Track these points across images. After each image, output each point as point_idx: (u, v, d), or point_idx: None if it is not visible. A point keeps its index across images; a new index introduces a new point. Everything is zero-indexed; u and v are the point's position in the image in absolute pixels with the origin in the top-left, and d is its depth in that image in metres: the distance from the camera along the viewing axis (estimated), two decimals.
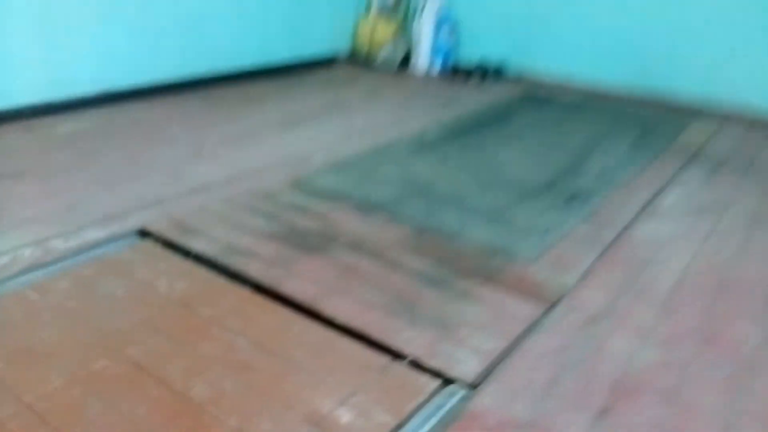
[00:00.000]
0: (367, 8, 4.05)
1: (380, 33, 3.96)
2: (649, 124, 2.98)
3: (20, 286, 1.45)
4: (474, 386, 1.20)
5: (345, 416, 1.11)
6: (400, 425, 1.10)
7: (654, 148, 2.64)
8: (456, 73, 3.78)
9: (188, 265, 1.58)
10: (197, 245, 1.64)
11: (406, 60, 3.97)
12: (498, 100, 3.31)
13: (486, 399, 1.18)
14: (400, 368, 1.24)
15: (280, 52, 3.61)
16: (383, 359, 1.26)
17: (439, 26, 3.83)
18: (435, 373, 1.23)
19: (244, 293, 1.47)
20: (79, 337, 1.29)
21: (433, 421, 1.12)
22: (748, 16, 3.07)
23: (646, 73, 3.38)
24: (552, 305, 1.48)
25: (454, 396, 1.18)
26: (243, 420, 1.09)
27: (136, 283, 1.49)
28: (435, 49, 3.87)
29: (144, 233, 1.71)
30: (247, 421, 1.09)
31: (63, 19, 2.61)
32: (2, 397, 1.11)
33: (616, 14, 3.39)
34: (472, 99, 3.31)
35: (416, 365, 1.25)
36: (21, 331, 1.30)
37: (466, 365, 1.25)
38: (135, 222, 1.76)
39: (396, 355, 1.27)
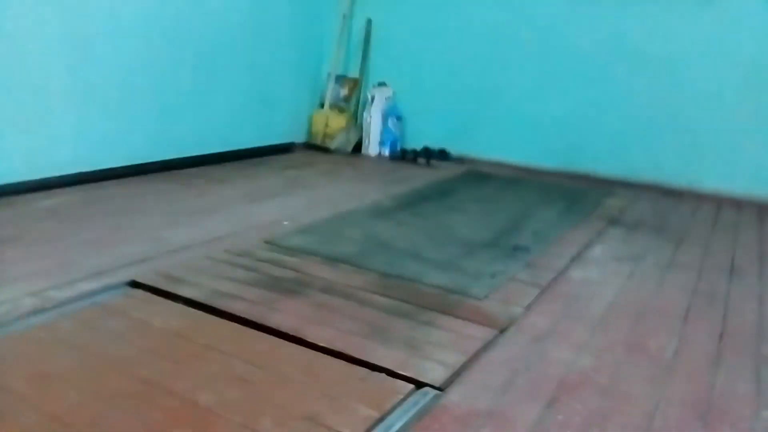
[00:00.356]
0: (321, 102, 4.46)
1: (333, 123, 4.34)
2: (575, 195, 3.38)
3: (26, 327, 1.58)
4: (442, 389, 1.41)
5: (334, 412, 1.28)
6: (383, 417, 1.29)
7: (580, 214, 3.01)
8: (404, 156, 4.16)
9: (179, 307, 1.75)
10: (185, 291, 1.82)
11: (357, 146, 4.34)
12: (443, 177, 3.68)
13: (453, 397, 1.38)
14: (378, 377, 1.44)
15: (243, 139, 3.92)
16: (363, 371, 1.46)
17: (386, 117, 4.25)
18: (408, 380, 1.43)
19: (234, 326, 1.65)
20: (90, 363, 1.44)
21: (411, 413, 1.31)
22: (651, 102, 3.61)
23: (570, 152, 3.86)
24: (503, 329, 1.72)
25: (426, 396, 1.38)
26: (246, 418, 1.25)
27: (133, 321, 1.65)
28: (384, 137, 4.27)
29: (134, 284, 1.88)
30: (250, 419, 1.25)
31: (42, 105, 2.83)
32: (26, 410, 1.24)
33: (540, 104, 3.89)
34: (420, 177, 3.67)
35: (392, 374, 1.45)
36: (35, 361, 1.44)
37: (434, 373, 1.46)
38: (124, 275, 1.92)
39: (373, 368, 1.47)
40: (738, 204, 3.39)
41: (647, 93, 3.62)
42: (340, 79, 4.44)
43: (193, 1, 3.44)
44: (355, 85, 4.40)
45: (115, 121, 3.14)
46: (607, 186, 3.65)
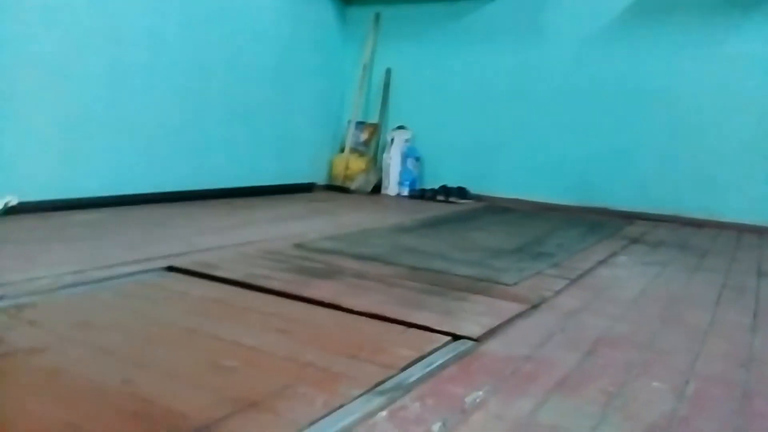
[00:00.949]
0: (342, 147, 4.61)
1: (354, 166, 4.47)
2: (596, 224, 3.42)
3: (68, 294, 1.62)
4: (479, 341, 1.41)
5: (375, 352, 1.29)
6: (422, 357, 1.29)
7: (601, 235, 3.04)
8: (423, 195, 4.24)
9: (216, 284, 1.78)
10: (221, 273, 1.85)
11: (377, 187, 4.45)
12: (463, 209, 3.75)
13: (492, 346, 1.38)
14: (417, 332, 1.45)
15: (267, 177, 4.04)
16: (401, 328, 1.47)
17: (405, 158, 4.37)
18: (446, 333, 1.43)
19: (270, 297, 1.67)
20: (131, 318, 1.47)
21: (451, 355, 1.31)
22: (669, 138, 3.71)
23: (588, 189, 3.92)
24: (534, 306, 1.73)
25: (465, 344, 1.38)
26: (290, 353, 1.26)
27: (172, 292, 1.68)
28: (403, 178, 4.38)
29: (171, 269, 1.91)
30: (294, 354, 1.26)
31: (81, 132, 2.97)
32: (71, 346, 1.26)
33: (558, 143, 4.00)
34: (441, 209, 3.73)
35: (430, 330, 1.45)
36: (78, 314, 1.47)
37: (471, 329, 1.46)
38: (160, 264, 1.96)
39: (411, 326, 1.48)
40: (759, 231, 3.41)
41: (664, 130, 3.72)
42: (360, 125, 4.60)
43: (227, 48, 3.67)
44: (375, 130, 4.56)
45: (146, 152, 3.28)
46: (625, 218, 3.69)
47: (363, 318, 1.52)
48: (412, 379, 1.16)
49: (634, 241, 2.93)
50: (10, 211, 2.64)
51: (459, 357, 1.30)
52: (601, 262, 2.37)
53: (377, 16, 4.55)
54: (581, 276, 2.12)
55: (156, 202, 3.25)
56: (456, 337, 1.41)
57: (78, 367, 1.15)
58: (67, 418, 0.96)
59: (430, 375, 1.20)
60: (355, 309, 1.57)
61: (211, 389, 1.08)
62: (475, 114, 4.26)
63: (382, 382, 1.15)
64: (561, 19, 3.95)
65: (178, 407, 1.01)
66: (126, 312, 1.51)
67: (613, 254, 2.56)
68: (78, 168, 2.96)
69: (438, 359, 1.27)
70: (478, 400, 1.09)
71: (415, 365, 1.24)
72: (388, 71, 4.55)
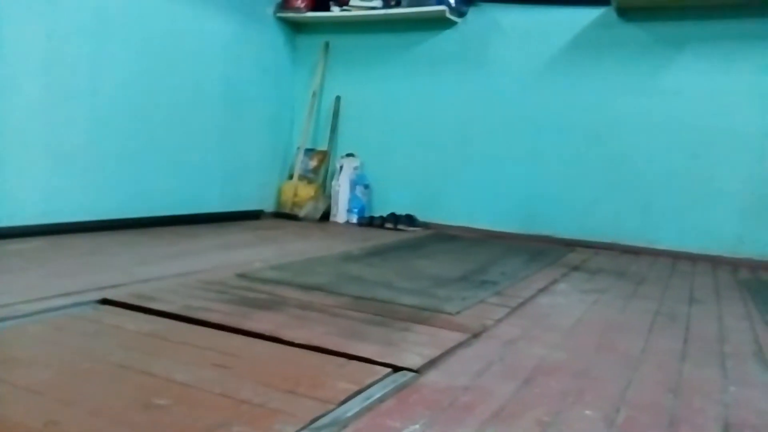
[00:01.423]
0: (290, 174, 4.60)
1: (302, 193, 4.45)
2: (538, 251, 3.50)
3: None
4: (419, 372, 1.41)
5: (314, 387, 1.27)
6: (361, 390, 1.28)
7: (543, 263, 3.11)
8: (372, 222, 4.26)
9: (151, 317, 1.73)
10: (157, 306, 1.80)
11: (326, 215, 4.44)
12: (411, 237, 3.78)
13: (432, 377, 1.39)
14: (357, 364, 1.44)
15: (212, 203, 3.98)
16: (341, 360, 1.46)
17: (354, 186, 4.39)
18: (386, 365, 1.43)
19: (207, 330, 1.64)
20: (61, 352, 1.40)
21: (390, 387, 1.31)
22: (607, 168, 3.84)
23: (531, 217, 4.02)
24: (475, 335, 1.75)
25: (405, 376, 1.38)
26: (225, 390, 1.23)
27: (104, 326, 1.62)
28: (351, 205, 4.39)
29: (105, 301, 1.85)
30: (229, 391, 1.23)
31: (18, 158, 2.87)
32: (2, 382, 1.20)
33: (502, 172, 4.10)
34: (389, 237, 3.75)
35: (370, 362, 1.45)
36: (5, 349, 1.40)
37: (411, 360, 1.46)
38: (94, 296, 1.89)
39: (351, 357, 1.47)
40: (693, 258, 3.56)
41: (602, 160, 3.86)
42: (309, 152, 4.61)
43: (169, 72, 3.62)
44: (324, 157, 4.57)
45: (88, 179, 3.19)
46: (567, 245, 3.80)
47: (303, 351, 1.51)
48: (349, 414, 1.16)
49: (575, 268, 3.02)
50: None
51: (398, 389, 1.30)
52: (542, 290, 2.43)
53: (327, 45, 4.59)
54: (522, 304, 2.16)
55: (97, 230, 3.15)
56: (396, 369, 1.41)
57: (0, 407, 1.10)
58: None
59: (367, 409, 1.19)
60: (296, 341, 1.55)
61: (141, 429, 1.05)
62: (422, 142, 4.33)
63: (319, 417, 1.13)
64: (505, 51, 4.08)
65: None
66: (55, 347, 1.45)
67: (554, 282, 2.62)
68: (12, 195, 2.85)
69: (377, 392, 1.27)
70: None
71: (353, 399, 1.23)
72: (338, 99, 4.58)
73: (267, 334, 1.60)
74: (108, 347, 1.46)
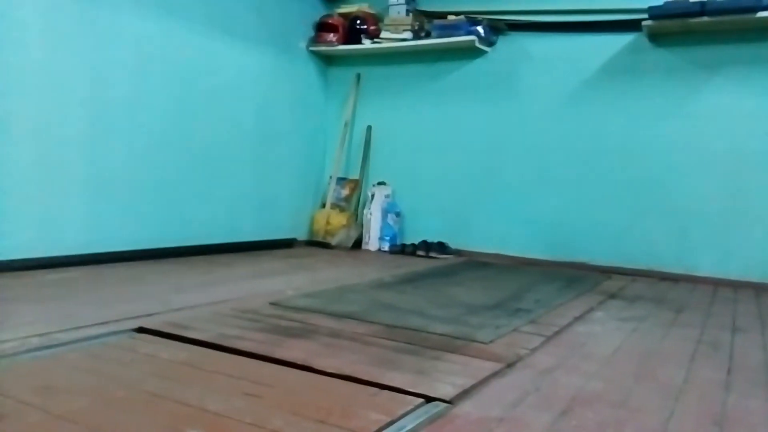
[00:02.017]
0: (323, 202, 4.64)
1: (334, 221, 4.48)
2: (574, 278, 3.43)
3: (33, 358, 1.58)
4: (452, 402, 1.39)
5: (345, 417, 1.26)
6: (393, 421, 1.26)
7: (579, 290, 3.05)
8: (404, 249, 4.25)
9: (186, 345, 1.75)
10: (191, 334, 1.82)
11: (358, 243, 4.45)
12: (443, 264, 3.75)
13: (465, 408, 1.36)
14: (389, 394, 1.42)
15: (246, 233, 4.03)
16: (373, 390, 1.44)
17: (385, 214, 4.40)
18: (419, 395, 1.41)
19: (240, 359, 1.65)
20: (96, 381, 1.43)
21: (423, 418, 1.29)
22: (641, 193, 3.78)
23: (566, 244, 3.96)
24: (510, 365, 1.72)
25: (437, 407, 1.36)
26: (257, 419, 1.23)
27: (139, 354, 1.64)
28: (383, 233, 4.39)
29: (140, 330, 1.88)
30: (260, 420, 1.23)
31: (58, 190, 2.96)
32: (31, 412, 1.22)
33: (535, 199, 4.06)
34: (421, 264, 3.74)
35: (402, 392, 1.43)
36: (39, 378, 1.43)
37: (444, 390, 1.44)
38: (130, 325, 1.93)
39: (383, 387, 1.46)
40: (734, 285, 3.44)
41: (637, 185, 3.79)
42: (341, 181, 4.65)
43: (205, 106, 3.72)
44: (356, 185, 4.60)
45: (125, 209, 3.27)
46: (603, 272, 3.72)
47: (334, 380, 1.50)
48: None
49: (612, 296, 2.95)
50: None
51: (431, 420, 1.28)
52: (578, 318, 2.37)
53: (358, 77, 4.66)
54: (557, 333, 2.12)
55: (133, 260, 3.22)
56: (429, 399, 1.39)
57: None
58: None
59: None
60: (327, 370, 1.55)
61: None
62: (453, 170, 4.33)
63: None
64: (535, 79, 4.08)
65: None
66: (91, 375, 1.47)
67: (590, 310, 2.56)
68: (53, 226, 2.94)
69: (409, 423, 1.25)
70: None
71: (385, 430, 1.21)
72: (369, 128, 4.63)
73: (298, 362, 1.60)
74: (142, 376, 1.48)
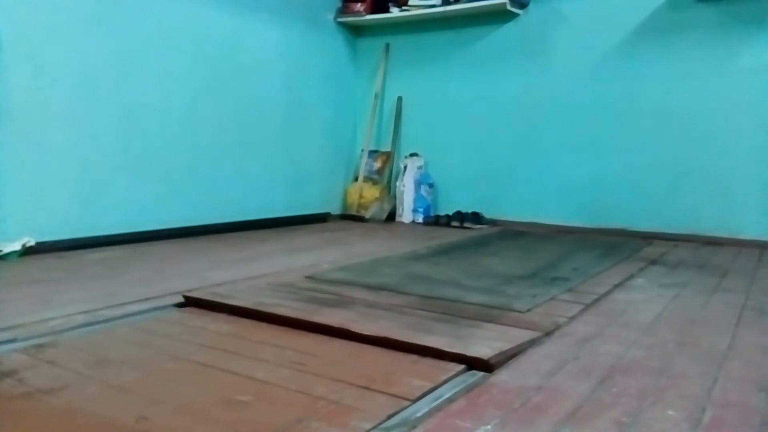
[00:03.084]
0: (355, 176, 4.64)
1: (367, 194, 4.48)
2: (612, 245, 3.37)
3: (82, 333, 1.64)
4: (491, 362, 1.39)
5: (388, 384, 1.28)
6: (435, 387, 1.27)
7: (618, 257, 2.99)
8: (438, 221, 4.23)
9: (230, 318, 1.79)
10: (232, 302, 1.86)
11: (392, 215, 4.45)
12: (477, 235, 3.72)
13: (502, 377, 1.36)
14: (429, 361, 1.43)
15: (280, 208, 4.06)
16: (413, 357, 1.45)
17: (418, 185, 4.37)
18: (457, 357, 1.42)
19: (284, 331, 1.68)
20: (147, 353, 1.49)
21: (459, 387, 1.29)
22: (682, 156, 3.66)
23: (604, 210, 3.88)
24: (548, 333, 1.70)
25: (474, 376, 1.36)
26: (302, 387, 1.27)
27: (188, 328, 1.70)
28: (417, 205, 4.38)
29: (182, 305, 1.92)
30: (306, 387, 1.26)
31: (95, 172, 3.03)
32: (88, 383, 1.27)
33: (571, 165, 3.98)
34: (455, 235, 3.72)
35: (441, 355, 1.44)
36: (93, 351, 1.49)
37: (482, 352, 1.43)
38: (171, 300, 1.97)
39: (422, 350, 1.47)
40: None
41: (677, 147, 3.67)
42: (373, 154, 4.63)
43: (234, 83, 3.73)
44: (388, 158, 4.58)
45: (161, 189, 3.33)
46: (643, 238, 3.63)
47: (375, 349, 1.51)
48: (419, 414, 1.14)
49: (653, 262, 2.88)
50: (28, 251, 2.69)
51: (468, 389, 1.28)
52: (618, 286, 2.33)
53: (387, 47, 4.60)
54: (596, 301, 2.08)
55: (169, 238, 3.28)
56: (468, 361, 1.40)
57: (94, 405, 1.17)
58: None
59: (437, 409, 1.17)
60: (365, 333, 1.56)
61: (225, 425, 1.09)
62: (486, 138, 4.26)
63: (395, 414, 1.14)
64: (568, 40, 3.96)
65: None
66: (142, 348, 1.52)
67: (630, 277, 2.51)
68: (93, 207, 3.02)
69: (446, 393, 1.25)
70: None
71: (423, 399, 1.22)
72: (399, 99, 4.58)
73: (336, 326, 1.62)
74: (191, 347, 1.53)
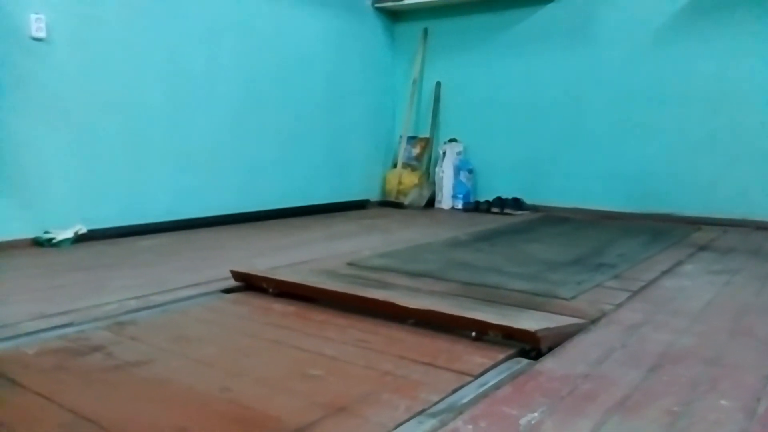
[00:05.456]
0: (394, 162, 4.63)
1: (406, 181, 4.47)
2: (659, 231, 3.28)
3: (157, 313, 1.74)
4: (537, 344, 1.38)
5: (450, 361, 1.34)
6: (496, 364, 1.32)
7: (665, 243, 2.91)
8: (478, 207, 4.20)
9: (287, 300, 1.84)
10: (281, 278, 1.91)
11: (431, 202, 4.44)
12: (519, 221, 3.69)
13: (548, 364, 1.34)
14: (484, 344, 1.44)
15: (320, 195, 4.10)
16: (464, 340, 1.46)
17: (458, 171, 4.34)
18: (504, 333, 1.43)
19: (337, 312, 1.72)
20: (221, 331, 1.57)
21: (506, 374, 1.28)
22: (733, 139, 3.53)
23: (650, 194, 3.78)
24: (594, 321, 1.67)
25: (521, 363, 1.35)
26: (369, 363, 1.33)
27: (254, 307, 1.80)
28: (456, 191, 4.35)
29: (229, 291, 1.96)
30: (373, 363, 1.33)
31: (143, 162, 3.11)
32: (172, 358, 1.34)
33: (616, 149, 3.88)
34: (496, 221, 3.68)
35: (486, 328, 1.45)
36: (172, 329, 1.59)
37: (528, 326, 1.42)
38: (219, 286, 2.01)
39: (474, 324, 1.47)
40: None
41: (726, 131, 3.55)
42: (412, 140, 4.61)
43: (275, 73, 3.77)
44: (427, 144, 4.56)
45: (206, 177, 3.40)
46: (692, 223, 3.53)
47: (432, 332, 1.53)
48: (464, 401, 1.14)
49: (702, 248, 2.80)
50: (80, 238, 2.78)
51: (514, 376, 1.27)
52: (666, 272, 2.27)
53: (425, 31, 4.56)
54: (644, 288, 2.04)
55: (214, 225, 3.35)
56: (514, 336, 1.41)
57: (180, 377, 1.26)
58: (176, 423, 1.05)
59: (483, 395, 1.17)
60: (410, 306, 1.58)
61: (302, 395, 1.16)
62: (527, 123, 4.19)
63: (460, 388, 1.19)
64: (613, 22, 3.85)
65: (273, 412, 1.09)
66: (215, 327, 1.62)
67: (679, 263, 2.45)
68: (142, 195, 3.10)
69: (491, 379, 1.25)
70: (533, 422, 1.06)
71: (468, 386, 1.22)
72: (438, 85, 4.54)
73: (381, 299, 1.65)
74: (260, 326, 1.61)
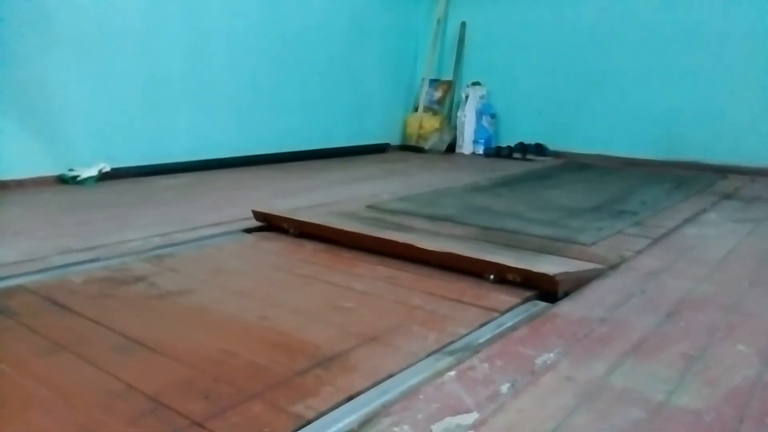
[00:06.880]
0: (415, 106, 4.57)
1: (427, 125, 4.42)
2: (684, 179, 3.23)
3: (197, 246, 1.80)
4: (555, 288, 1.40)
5: (476, 298, 1.38)
6: (521, 303, 1.36)
7: (689, 191, 2.87)
8: (499, 152, 4.16)
9: (312, 241, 1.87)
10: (301, 218, 1.94)
11: (451, 147, 4.40)
12: (541, 167, 3.65)
13: (566, 308, 1.36)
14: (502, 287, 1.46)
15: (341, 138, 4.08)
16: (485, 284, 1.48)
17: (480, 115, 4.28)
18: (523, 276, 1.44)
19: (366, 254, 1.74)
20: (255, 265, 1.66)
21: (523, 315, 1.30)
22: (765, 87, 3.41)
23: (675, 142, 3.70)
24: (613, 266, 1.67)
25: (537, 306, 1.37)
26: (399, 297, 1.40)
27: (286, 244, 1.85)
28: (478, 136, 4.30)
29: (249, 230, 1.99)
30: (401, 297, 1.39)
31: (163, 102, 3.10)
32: (210, 288, 1.41)
33: (642, 95, 3.78)
34: (517, 167, 3.65)
35: (507, 271, 1.47)
36: (208, 263, 1.64)
37: (547, 269, 1.44)
38: (241, 226, 2.04)
39: (492, 266, 1.49)
40: None
41: (760, 77, 3.43)
42: (434, 83, 4.53)
43: (295, 11, 3.68)
44: (449, 87, 4.48)
45: (227, 118, 3.39)
46: (717, 172, 3.47)
47: (456, 274, 1.55)
48: (481, 340, 1.17)
49: (726, 197, 2.76)
50: (104, 177, 2.82)
51: (530, 318, 1.29)
52: (688, 220, 2.25)
53: None
54: (665, 235, 2.03)
55: (235, 166, 3.36)
56: (533, 279, 1.42)
57: (220, 305, 1.32)
58: (220, 346, 1.11)
59: (500, 336, 1.19)
60: (428, 248, 1.60)
61: (336, 325, 1.22)
62: (553, 67, 4.09)
63: (486, 323, 1.24)
64: None
65: (310, 339, 1.15)
66: (250, 261, 1.67)
67: (702, 211, 2.42)
68: (163, 135, 3.11)
69: (508, 321, 1.27)
70: (548, 362, 1.08)
71: (485, 326, 1.24)
72: (463, 25, 4.42)
73: (401, 241, 1.67)
74: (293, 262, 1.66)
